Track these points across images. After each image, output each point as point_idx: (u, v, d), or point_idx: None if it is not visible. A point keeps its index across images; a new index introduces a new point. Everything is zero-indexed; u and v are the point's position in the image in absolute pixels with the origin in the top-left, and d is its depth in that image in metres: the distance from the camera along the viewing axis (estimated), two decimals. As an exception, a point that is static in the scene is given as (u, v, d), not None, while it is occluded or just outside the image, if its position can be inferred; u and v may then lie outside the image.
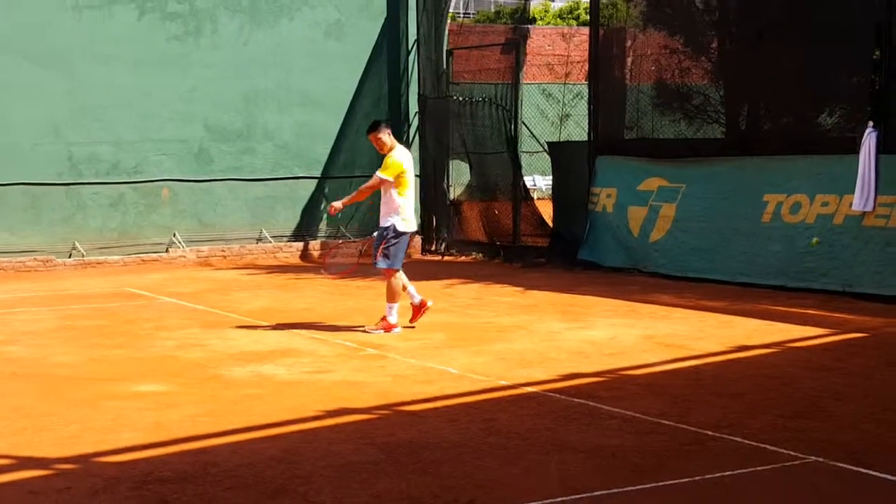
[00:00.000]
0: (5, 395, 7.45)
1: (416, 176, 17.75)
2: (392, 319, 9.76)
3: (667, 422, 6.56)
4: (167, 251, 15.95)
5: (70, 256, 15.28)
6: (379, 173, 9.76)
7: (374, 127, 9.96)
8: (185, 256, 15.90)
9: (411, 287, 9.99)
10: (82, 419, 6.72)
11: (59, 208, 15.40)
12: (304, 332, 9.88)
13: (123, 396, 7.35)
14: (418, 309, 10.00)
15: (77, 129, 15.39)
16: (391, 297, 9.77)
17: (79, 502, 5.13)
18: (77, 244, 15.37)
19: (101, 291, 12.91)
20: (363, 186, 10.00)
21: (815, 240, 11.90)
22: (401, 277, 9.85)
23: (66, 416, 6.82)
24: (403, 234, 9.79)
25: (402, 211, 9.75)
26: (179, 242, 16.03)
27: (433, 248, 17.49)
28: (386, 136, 9.83)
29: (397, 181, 9.70)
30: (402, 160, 9.76)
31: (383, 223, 9.77)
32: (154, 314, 11.06)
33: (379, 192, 9.87)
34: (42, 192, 15.24)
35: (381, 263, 9.77)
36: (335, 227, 17.44)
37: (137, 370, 8.25)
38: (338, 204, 10.03)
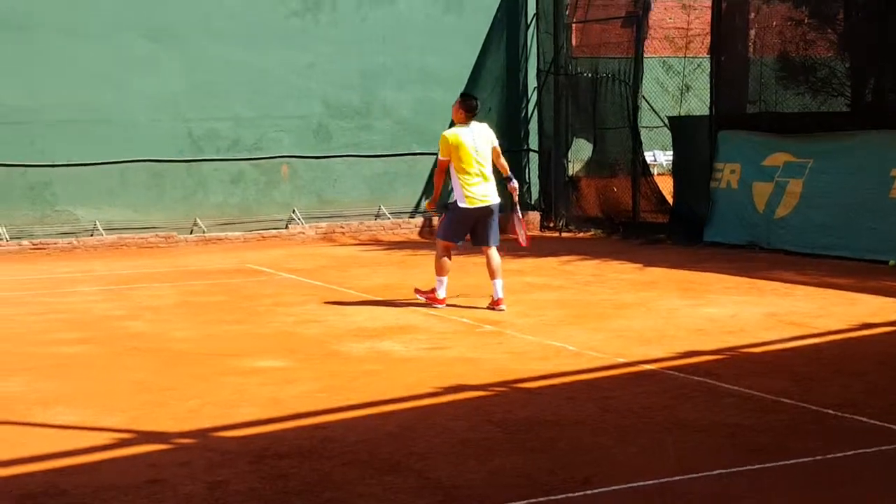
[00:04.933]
0: (126, 369, 7.56)
1: (534, 151, 17.78)
2: (439, 294, 9.66)
3: (787, 400, 6.36)
4: (286, 227, 16.11)
5: (191, 233, 15.54)
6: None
7: (458, 99, 9.79)
8: (304, 233, 16.03)
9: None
10: (201, 394, 6.77)
11: (180, 185, 15.66)
12: (421, 308, 9.81)
13: (242, 372, 7.38)
14: (433, 300, 9.78)
15: (196, 106, 15.62)
16: (437, 269, 9.71)
17: (198, 476, 5.14)
18: (198, 220, 15.63)
19: (221, 267, 13.09)
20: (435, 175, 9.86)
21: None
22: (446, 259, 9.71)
23: (186, 391, 6.87)
24: (464, 210, 9.55)
25: (464, 187, 9.52)
26: (299, 219, 16.17)
27: (551, 224, 17.30)
28: (454, 111, 9.69)
29: (454, 158, 9.48)
30: (450, 134, 9.56)
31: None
32: (273, 290, 11.15)
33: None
34: (164, 168, 15.52)
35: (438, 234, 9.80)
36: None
37: (256, 346, 8.29)
38: (430, 202, 9.94)
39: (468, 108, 9.69)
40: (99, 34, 14.99)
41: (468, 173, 9.56)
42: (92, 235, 14.98)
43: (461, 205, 9.59)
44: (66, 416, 6.26)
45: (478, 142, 9.65)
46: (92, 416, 6.25)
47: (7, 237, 14.48)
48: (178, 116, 15.54)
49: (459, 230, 9.74)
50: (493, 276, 9.62)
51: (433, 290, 9.77)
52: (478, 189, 9.58)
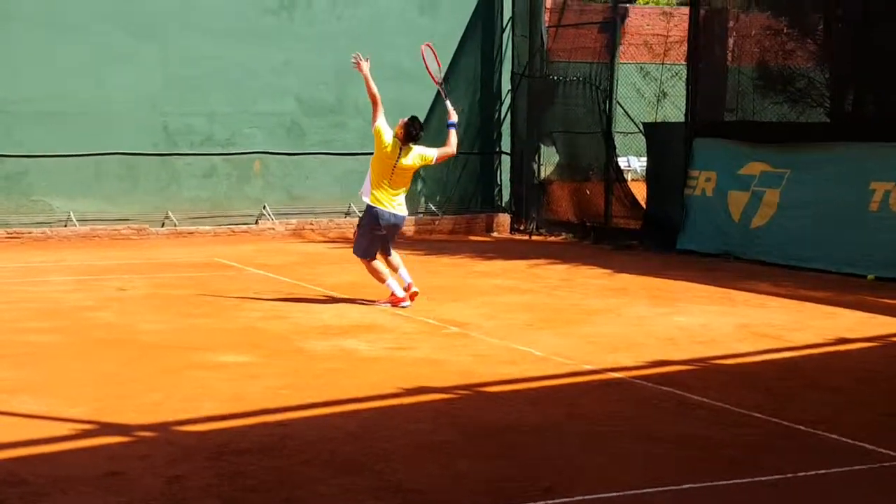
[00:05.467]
0: (92, 360, 7.54)
1: (506, 153, 17.82)
2: (398, 294, 9.73)
3: (759, 415, 6.33)
4: (257, 223, 16.07)
5: (163, 226, 15.48)
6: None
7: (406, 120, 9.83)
8: (274, 229, 16.00)
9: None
10: (165, 387, 6.75)
11: (153, 178, 15.60)
12: (387, 307, 9.81)
13: (207, 366, 7.37)
14: (396, 301, 9.84)
15: (172, 100, 15.55)
16: (377, 278, 9.87)
17: (157, 470, 5.14)
18: (170, 214, 15.56)
19: (191, 261, 13.05)
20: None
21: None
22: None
23: (150, 383, 6.86)
24: (374, 213, 9.69)
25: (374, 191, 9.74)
26: (269, 215, 16.13)
27: (522, 227, 17.33)
28: (398, 128, 9.74)
29: (377, 152, 9.79)
30: (385, 132, 9.71)
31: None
32: (241, 285, 11.13)
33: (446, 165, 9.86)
34: (138, 161, 15.45)
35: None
36: (427, 203, 17.39)
37: (222, 340, 8.28)
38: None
39: (408, 135, 9.67)
40: (78, 26, 14.91)
41: (381, 185, 9.62)
42: (66, 226, 14.90)
43: (367, 200, 9.65)
44: (30, 405, 6.24)
45: (404, 161, 9.69)
46: (56, 406, 6.23)
47: (-19, 226, 14.40)
48: (154, 110, 15.47)
49: (374, 242, 9.72)
50: (396, 268, 9.76)
51: (392, 295, 9.77)
52: (384, 198, 9.63)
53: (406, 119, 9.74)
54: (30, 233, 14.53)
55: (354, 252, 9.93)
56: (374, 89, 9.88)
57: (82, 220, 14.97)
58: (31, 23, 14.63)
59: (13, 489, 4.83)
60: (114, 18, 15.11)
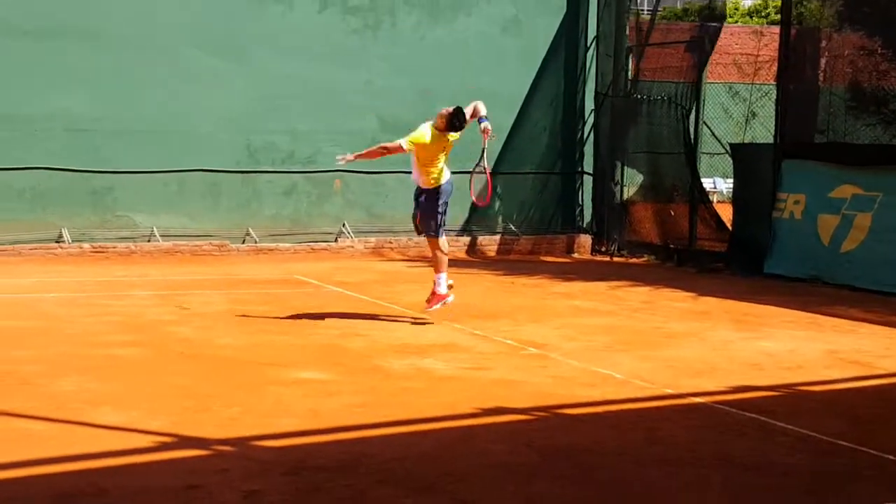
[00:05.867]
0: (171, 374, 7.61)
1: (588, 174, 17.69)
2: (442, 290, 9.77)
3: (846, 443, 6.13)
4: (336, 241, 16.16)
5: (244, 242, 15.65)
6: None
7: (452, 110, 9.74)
8: (353, 247, 16.07)
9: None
10: (243, 402, 6.77)
11: (235, 195, 15.79)
12: (465, 327, 9.76)
13: (284, 382, 7.38)
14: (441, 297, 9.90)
15: (255, 119, 15.74)
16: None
17: (235, 484, 5.14)
18: (251, 230, 15.73)
19: (270, 277, 13.15)
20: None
21: None
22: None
23: (228, 398, 6.89)
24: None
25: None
26: (348, 232, 16.22)
27: (603, 248, 17.17)
28: (440, 117, 9.67)
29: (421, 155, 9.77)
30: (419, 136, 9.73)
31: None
32: (319, 302, 11.17)
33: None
34: (220, 178, 15.66)
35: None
36: (506, 222, 17.36)
37: (299, 357, 8.30)
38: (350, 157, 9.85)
39: (451, 125, 9.66)
40: (164, 47, 15.19)
41: (434, 164, 9.78)
42: (149, 241, 15.15)
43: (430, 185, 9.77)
44: (111, 417, 6.31)
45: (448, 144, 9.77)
46: (137, 419, 6.29)
47: (69, 240, 14.69)
48: (238, 128, 15.67)
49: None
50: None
51: (436, 293, 9.81)
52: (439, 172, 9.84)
53: (450, 110, 9.64)
54: (114, 247, 14.80)
55: (428, 232, 9.88)
56: (368, 149, 10.05)
57: (165, 236, 15.21)
58: (119, 43, 14.94)
59: (94, 500, 4.88)
60: (199, 40, 15.36)
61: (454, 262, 15.42)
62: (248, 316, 10.17)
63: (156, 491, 5.02)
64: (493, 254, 16.64)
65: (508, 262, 15.64)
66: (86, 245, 14.70)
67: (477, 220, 17.20)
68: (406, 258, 15.82)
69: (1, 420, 6.18)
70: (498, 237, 17.07)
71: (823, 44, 14.53)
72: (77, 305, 10.49)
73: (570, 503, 5.04)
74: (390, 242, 16.30)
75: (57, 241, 14.64)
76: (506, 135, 17.23)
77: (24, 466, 5.33)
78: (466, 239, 16.85)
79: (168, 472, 5.36)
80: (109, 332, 9.13)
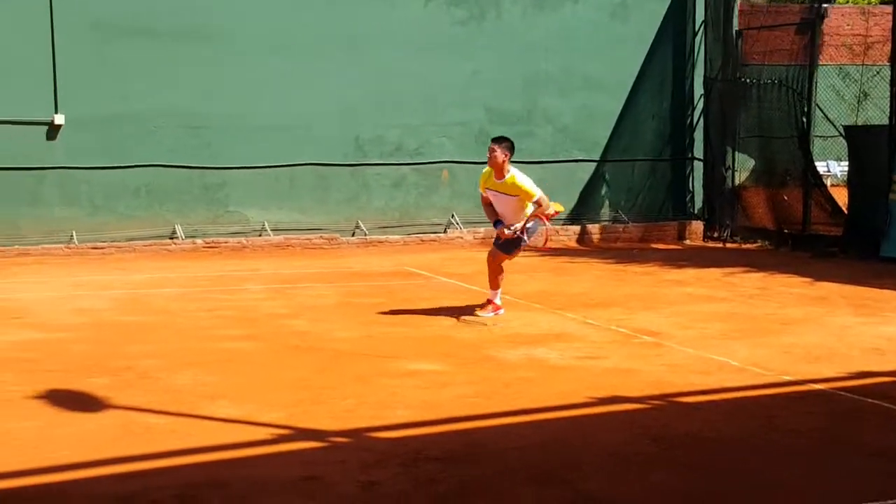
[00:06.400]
0: (287, 367, 7.71)
1: (698, 160, 17.41)
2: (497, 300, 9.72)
3: (976, 431, 5.92)
4: (445, 231, 16.21)
5: (353, 235, 15.81)
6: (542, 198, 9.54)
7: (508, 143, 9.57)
8: (462, 237, 16.09)
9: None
10: (358, 394, 6.83)
11: (344, 188, 15.96)
12: (577, 316, 9.69)
13: (397, 374, 7.42)
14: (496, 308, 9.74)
15: (364, 112, 15.88)
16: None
17: (352, 475, 5.18)
18: (360, 223, 15.88)
19: (380, 270, 13.25)
20: (538, 211, 9.60)
21: None
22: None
23: (343, 390, 6.95)
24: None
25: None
26: (457, 223, 16.24)
27: (716, 234, 16.88)
28: (506, 155, 9.47)
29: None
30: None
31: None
32: (431, 293, 11.21)
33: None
34: (329, 172, 15.84)
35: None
36: (616, 211, 17.19)
37: (412, 348, 8.33)
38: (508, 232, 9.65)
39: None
40: (273, 42, 15.42)
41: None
42: (260, 236, 15.40)
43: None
44: (229, 410, 6.42)
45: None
46: (253, 411, 6.38)
47: (183, 235, 15.03)
48: (347, 122, 15.83)
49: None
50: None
51: (493, 302, 9.71)
52: None
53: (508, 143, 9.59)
54: (226, 242, 15.08)
55: (510, 252, 9.78)
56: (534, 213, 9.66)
57: (276, 230, 15.45)
58: (228, 41, 15.22)
59: (216, 491, 4.97)
60: (305, 33, 15.54)
61: (565, 251, 15.37)
62: (360, 308, 10.26)
63: (274, 482, 5.09)
64: (600, 242, 16.48)
65: (617, 251, 15.48)
66: (199, 240, 15.02)
67: (585, 208, 17.08)
68: (514, 248, 15.75)
69: (122, 414, 6.34)
70: (605, 225, 16.91)
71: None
72: (191, 300, 10.72)
73: (688, 492, 4.96)
74: (499, 232, 16.25)
75: (171, 238, 15.00)
76: (613, 122, 17.07)
77: (147, 459, 5.46)
78: (576, 228, 16.72)
79: (286, 463, 5.43)
80: (224, 326, 9.31)
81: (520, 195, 9.52)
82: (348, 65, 15.76)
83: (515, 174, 9.53)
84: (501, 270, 9.80)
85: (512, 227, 9.61)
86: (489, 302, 9.74)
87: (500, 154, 9.47)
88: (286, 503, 4.86)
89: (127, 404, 6.54)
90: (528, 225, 9.64)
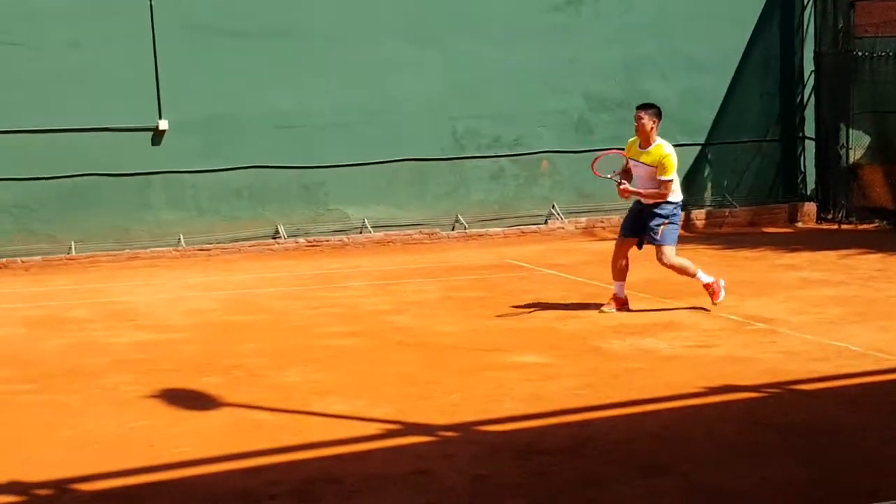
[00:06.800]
0: (393, 362, 7.70)
1: (810, 138, 16.93)
2: (706, 279, 9.13)
3: None
4: (546, 222, 16.05)
5: (453, 229, 15.76)
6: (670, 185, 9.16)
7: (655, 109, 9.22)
8: (563, 228, 15.93)
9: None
10: (464, 388, 6.78)
11: (442, 182, 15.91)
12: (685, 304, 9.47)
13: (503, 367, 7.35)
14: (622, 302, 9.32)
15: (459, 104, 15.79)
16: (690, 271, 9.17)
17: (462, 469, 5.15)
18: (459, 217, 15.83)
19: (482, 263, 13.18)
20: (651, 192, 9.24)
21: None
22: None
23: (449, 384, 6.91)
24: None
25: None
26: (558, 214, 16.08)
27: (830, 215, 16.41)
28: (654, 123, 9.12)
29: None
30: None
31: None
32: (533, 285, 11.10)
33: None
34: (427, 167, 15.80)
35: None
36: (721, 195, 16.82)
37: (517, 341, 8.25)
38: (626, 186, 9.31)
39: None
40: (367, 40, 15.44)
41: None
42: (360, 233, 15.47)
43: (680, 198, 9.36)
44: (338, 406, 6.44)
45: None
46: (362, 407, 6.39)
47: (285, 235, 15.18)
48: (442, 115, 15.78)
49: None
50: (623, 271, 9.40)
51: (707, 286, 9.17)
52: None
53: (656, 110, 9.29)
54: (328, 241, 15.18)
55: (668, 242, 9.26)
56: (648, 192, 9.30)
57: (376, 227, 15.49)
58: (320, 38, 15.26)
59: (330, 486, 4.99)
60: (397, 28, 15.52)
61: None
62: (463, 302, 10.21)
63: (385, 477, 5.08)
64: (705, 228, 16.14)
65: (725, 236, 15.14)
66: (301, 240, 15.15)
67: (690, 193, 16.75)
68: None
69: (234, 412, 6.41)
70: (710, 210, 16.56)
71: None
72: (296, 298, 10.81)
73: (810, 482, 4.80)
74: (601, 222, 16.06)
75: (273, 237, 15.16)
76: (718, 103, 16.67)
77: (261, 456, 5.51)
78: (681, 214, 16.37)
79: (396, 458, 5.42)
80: (329, 323, 9.35)
81: (658, 167, 9.11)
82: (442, 56, 15.69)
83: (663, 144, 9.15)
84: (623, 265, 9.41)
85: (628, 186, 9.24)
86: (706, 288, 9.17)
87: (647, 120, 9.12)
88: (399, 497, 4.84)
89: (239, 402, 6.61)
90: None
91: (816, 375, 6.72)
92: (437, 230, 15.57)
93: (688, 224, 16.29)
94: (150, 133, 14.74)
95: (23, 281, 12.79)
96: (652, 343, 7.94)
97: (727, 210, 16.57)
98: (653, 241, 9.23)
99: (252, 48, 14.99)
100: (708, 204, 16.78)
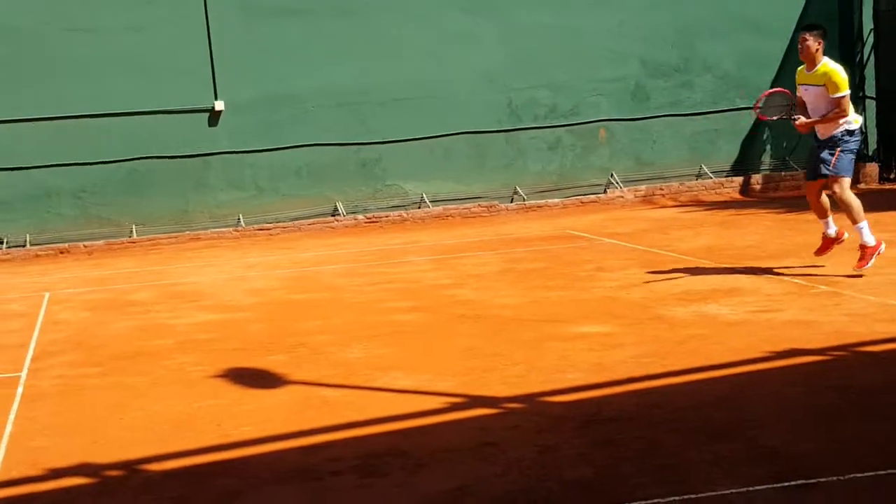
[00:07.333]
0: (456, 335, 7.73)
1: (871, 98, 16.61)
2: (870, 241, 8.73)
3: None
4: (605, 192, 15.97)
5: (512, 201, 15.74)
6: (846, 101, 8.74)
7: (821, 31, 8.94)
8: (622, 196, 15.84)
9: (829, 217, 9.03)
10: (527, 359, 6.80)
11: (500, 155, 15.89)
12: (748, 269, 9.38)
13: (566, 337, 7.35)
14: (832, 242, 9.05)
15: (513, 75, 15.74)
16: (857, 215, 8.76)
17: (528, 440, 5.17)
18: (518, 188, 15.80)
19: (541, 234, 13.16)
20: (830, 116, 8.78)
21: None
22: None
23: (512, 356, 6.92)
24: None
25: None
26: (617, 182, 15.98)
27: (893, 176, 16.11)
28: (820, 45, 8.84)
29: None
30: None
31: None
32: (594, 255, 11.06)
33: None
34: (483, 139, 15.79)
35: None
36: (780, 159, 16.59)
37: (579, 311, 8.24)
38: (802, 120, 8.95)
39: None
40: (419, 13, 15.45)
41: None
42: (419, 208, 15.51)
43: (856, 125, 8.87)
44: (402, 381, 6.49)
45: None
46: (426, 381, 6.43)
47: (344, 212, 15.28)
48: (497, 87, 15.74)
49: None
50: (825, 214, 9.05)
51: (864, 248, 8.82)
52: None
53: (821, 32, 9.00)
54: (387, 216, 15.24)
55: (842, 173, 8.78)
56: (821, 118, 8.88)
57: (434, 201, 15.52)
58: (376, 14, 15.30)
59: (396, 460, 5.04)
60: (451, 1, 15.49)
61: (730, 204, 14.93)
62: (523, 274, 10.21)
63: (452, 450, 5.11)
64: (762, 191, 15.94)
65: (782, 200, 14.94)
66: (360, 216, 15.23)
67: (749, 158, 16.55)
68: (678, 203, 15.43)
69: (299, 389, 6.49)
70: (767, 174, 16.34)
71: None
72: (357, 275, 10.88)
73: (879, 444, 4.75)
74: (661, 189, 15.94)
75: (333, 215, 15.26)
76: (777, 64, 16.40)
77: (327, 432, 5.57)
78: (739, 179, 16.23)
79: (462, 431, 5.45)
80: (391, 299, 9.40)
81: (827, 85, 8.76)
82: (494, 27, 15.63)
83: (828, 61, 8.85)
84: (819, 204, 9.06)
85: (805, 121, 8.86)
86: (861, 249, 8.78)
87: (812, 42, 8.86)
88: (466, 469, 4.87)
89: (304, 379, 6.69)
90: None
91: (883, 337, 6.63)
92: (496, 203, 15.56)
93: (746, 189, 16.12)
94: (207, 114, 14.89)
95: (86, 265, 13.04)
96: (715, 309, 7.88)
97: (787, 174, 16.35)
98: (826, 172, 8.82)
99: (305, 26, 15.06)
100: (764, 168, 16.56)
